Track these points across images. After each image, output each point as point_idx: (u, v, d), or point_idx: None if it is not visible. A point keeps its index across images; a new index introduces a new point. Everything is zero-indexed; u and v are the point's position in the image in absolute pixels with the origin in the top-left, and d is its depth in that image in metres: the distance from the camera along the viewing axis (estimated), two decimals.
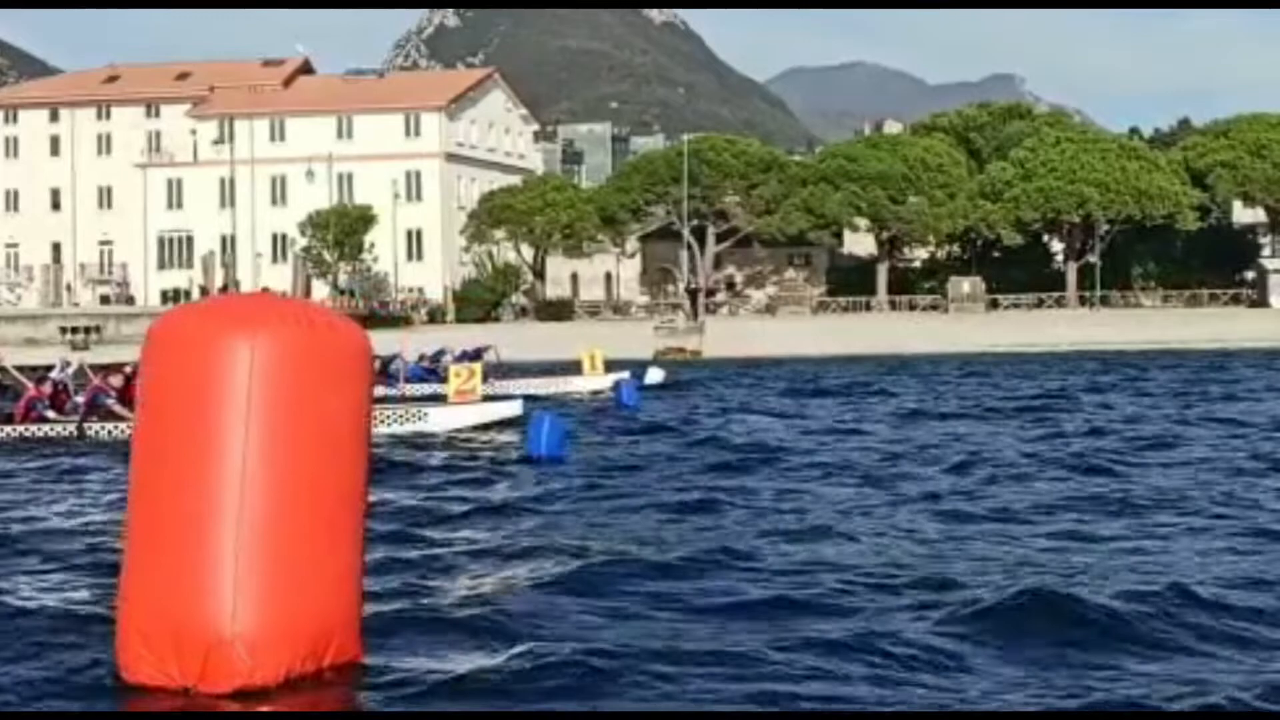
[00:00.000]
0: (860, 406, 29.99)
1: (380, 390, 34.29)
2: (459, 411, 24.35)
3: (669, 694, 6.68)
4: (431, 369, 38.81)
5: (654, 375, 39.10)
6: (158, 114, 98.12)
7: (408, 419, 23.58)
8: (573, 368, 40.10)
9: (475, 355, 38.85)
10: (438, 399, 29.31)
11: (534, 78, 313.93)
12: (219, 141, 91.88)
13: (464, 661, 7.15)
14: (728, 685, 6.86)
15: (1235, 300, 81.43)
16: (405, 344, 42.03)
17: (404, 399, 32.19)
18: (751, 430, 23.23)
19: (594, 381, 37.34)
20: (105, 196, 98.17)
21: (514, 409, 24.19)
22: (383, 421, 23.40)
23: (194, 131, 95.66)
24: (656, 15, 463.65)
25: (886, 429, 23.47)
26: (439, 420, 23.59)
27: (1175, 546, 10.85)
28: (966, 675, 6.98)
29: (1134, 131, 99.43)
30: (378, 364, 37.74)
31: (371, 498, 7.56)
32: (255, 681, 6.23)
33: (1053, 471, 16.28)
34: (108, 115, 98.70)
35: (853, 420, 25.63)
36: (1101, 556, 10.34)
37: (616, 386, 31.24)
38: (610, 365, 39.84)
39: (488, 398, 26.55)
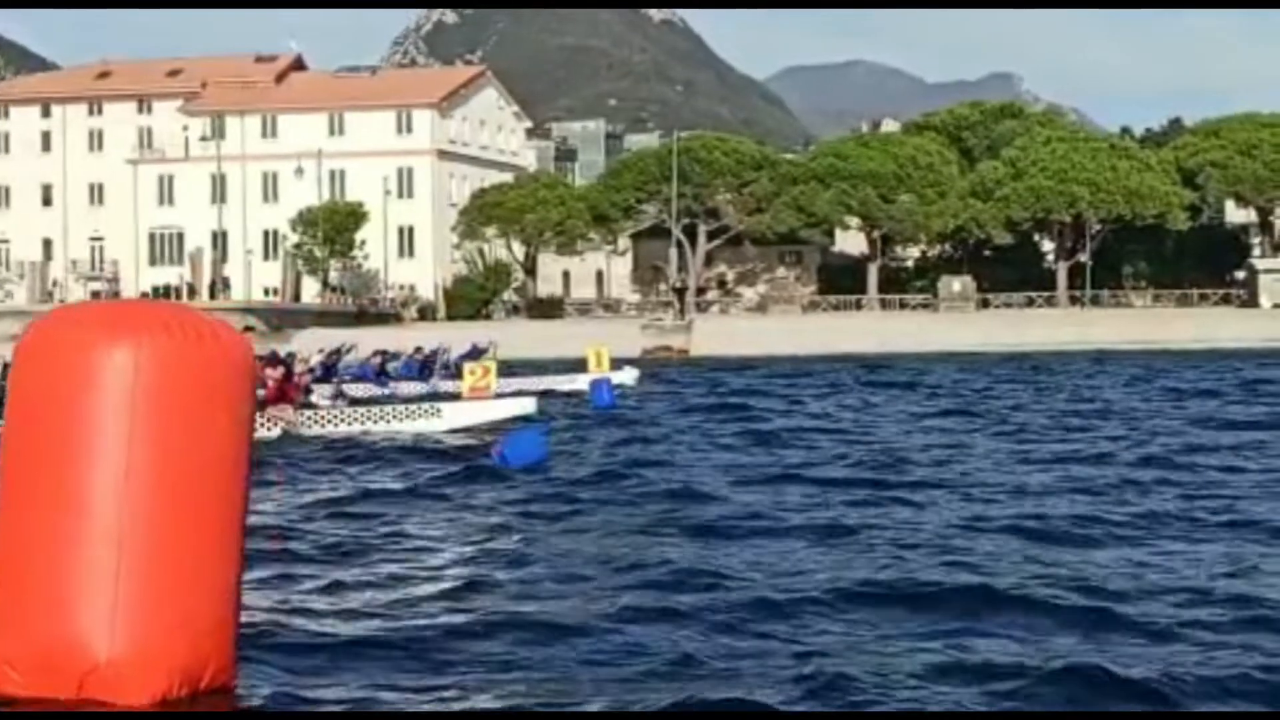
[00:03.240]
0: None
1: (395, 388, 34.30)
2: (472, 408, 24.19)
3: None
4: (426, 363, 38.42)
5: (625, 375, 38.91)
6: (149, 110, 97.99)
7: (421, 415, 23.45)
8: (578, 365, 39.98)
9: (477, 354, 38.65)
10: (439, 398, 29.32)
11: (532, 75, 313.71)
12: (206, 138, 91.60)
13: (344, 681, 7.08)
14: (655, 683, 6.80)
15: (1225, 300, 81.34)
16: (404, 343, 41.93)
17: (394, 398, 32.17)
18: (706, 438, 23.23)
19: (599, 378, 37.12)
20: (96, 192, 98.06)
21: (528, 406, 24.04)
22: (396, 418, 23.40)
23: (186, 128, 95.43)
24: (655, 13, 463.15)
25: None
26: (452, 417, 23.41)
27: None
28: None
29: (1125, 131, 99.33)
30: (377, 361, 37.66)
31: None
32: (130, 707, 6.06)
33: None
34: (99, 111, 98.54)
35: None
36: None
37: (592, 386, 31.11)
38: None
39: (500, 395, 26.37)
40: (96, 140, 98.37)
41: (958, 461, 18.12)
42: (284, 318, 72.98)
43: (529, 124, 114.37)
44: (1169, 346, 60.90)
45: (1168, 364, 49.48)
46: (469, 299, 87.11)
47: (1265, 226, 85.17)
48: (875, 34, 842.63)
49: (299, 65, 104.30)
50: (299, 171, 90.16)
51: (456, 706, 6.66)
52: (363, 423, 23.22)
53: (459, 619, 8.46)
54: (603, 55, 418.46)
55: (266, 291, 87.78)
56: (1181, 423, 24.57)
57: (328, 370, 30.29)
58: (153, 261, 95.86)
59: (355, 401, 26.94)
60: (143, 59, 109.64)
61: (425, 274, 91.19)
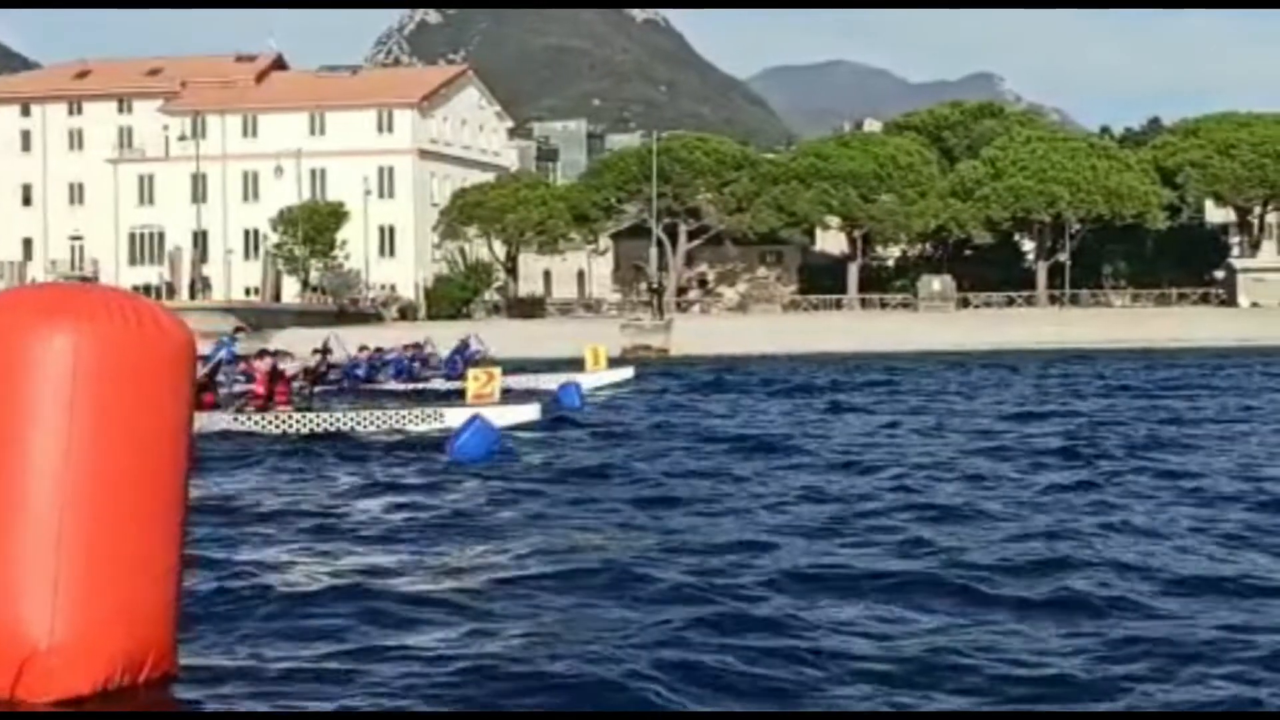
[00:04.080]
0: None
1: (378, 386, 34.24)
2: (476, 413, 24.04)
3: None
4: (416, 361, 38.37)
5: (619, 375, 39.14)
6: (129, 109, 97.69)
7: (424, 419, 23.41)
8: (572, 364, 40.10)
9: (464, 348, 38.75)
10: (429, 396, 29.33)
11: (516, 75, 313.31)
12: (184, 138, 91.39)
13: (283, 666, 7.11)
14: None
15: (1204, 299, 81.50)
16: (385, 342, 41.86)
17: (393, 393, 32.34)
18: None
19: (597, 378, 37.45)
20: (76, 192, 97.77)
21: (532, 413, 24.06)
22: (400, 421, 23.39)
23: (166, 127, 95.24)
24: (638, 13, 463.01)
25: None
26: (455, 422, 23.23)
27: None
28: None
29: (1104, 131, 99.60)
30: (364, 356, 37.42)
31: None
32: (71, 695, 6.07)
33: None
34: (79, 110, 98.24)
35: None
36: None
37: (560, 388, 31.12)
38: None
39: (504, 397, 26.40)
40: (76, 140, 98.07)
41: (912, 456, 18.33)
42: (264, 317, 72.80)
43: (510, 124, 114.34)
44: (1148, 345, 61.13)
45: (1145, 363, 49.74)
46: (450, 298, 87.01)
47: (1244, 226, 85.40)
48: (858, 34, 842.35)
49: (279, 65, 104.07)
50: (278, 171, 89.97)
51: (407, 703, 6.66)
52: (365, 425, 23.23)
53: (406, 610, 8.50)
54: (586, 55, 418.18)
55: (247, 291, 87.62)
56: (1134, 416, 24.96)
57: (319, 377, 30.05)
58: (133, 261, 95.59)
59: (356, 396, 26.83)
60: (122, 58, 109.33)
61: (406, 274, 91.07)
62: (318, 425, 23.04)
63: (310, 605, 8.58)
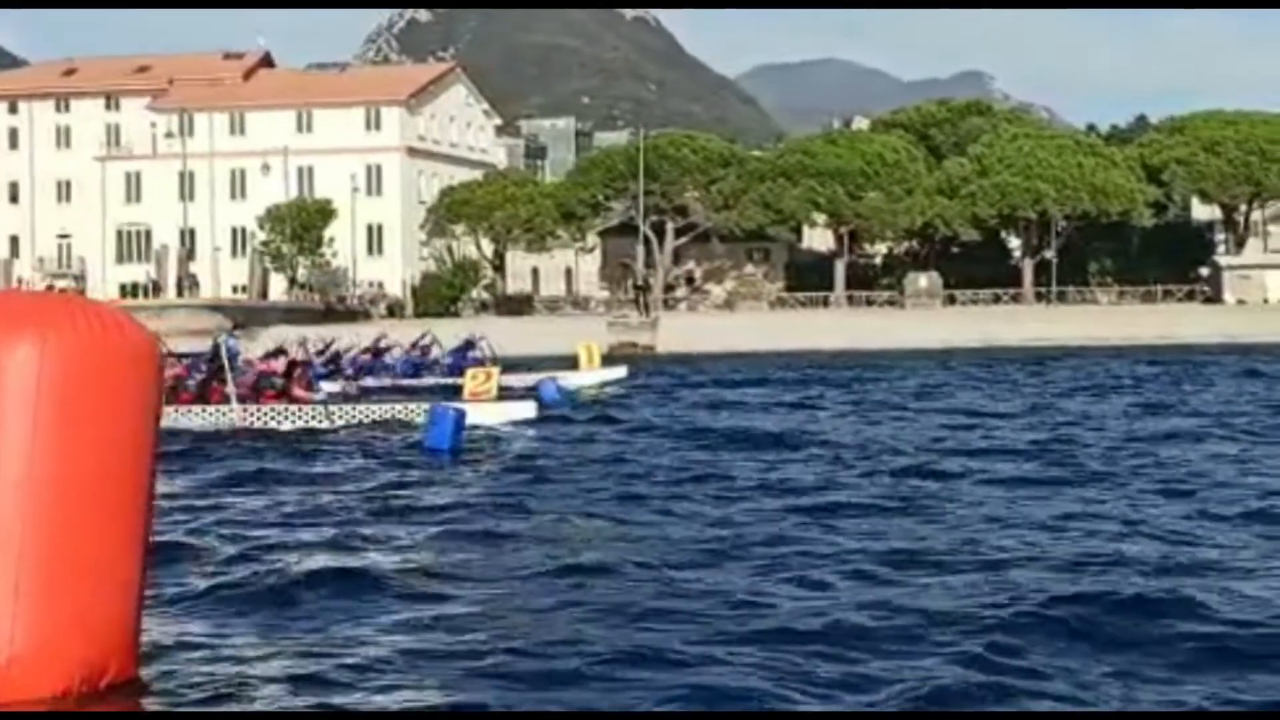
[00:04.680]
0: None
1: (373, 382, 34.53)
2: (473, 410, 24.20)
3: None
4: (420, 361, 38.51)
5: (614, 373, 39.38)
6: (117, 107, 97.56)
7: (420, 415, 23.66)
8: (566, 362, 40.22)
9: (468, 346, 38.90)
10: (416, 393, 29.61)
11: (505, 73, 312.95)
12: (171, 135, 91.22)
13: (261, 663, 7.15)
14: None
15: (1190, 296, 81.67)
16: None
17: (396, 389, 32.65)
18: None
19: (590, 376, 37.59)
20: (64, 190, 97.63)
21: (528, 411, 24.43)
22: (396, 416, 24.07)
23: (154, 125, 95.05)
24: (628, 12, 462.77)
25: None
26: None
27: None
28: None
29: (1091, 128, 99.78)
30: (367, 358, 37.68)
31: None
32: (31, 702, 6.04)
33: None
34: (67, 108, 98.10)
35: None
36: None
37: (540, 384, 31.25)
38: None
39: (502, 396, 26.60)
40: (64, 137, 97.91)
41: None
42: (251, 315, 72.73)
43: (499, 121, 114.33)
44: (1133, 342, 61.26)
45: (1131, 360, 49.90)
46: (438, 296, 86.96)
47: (1229, 223, 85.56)
48: (849, 33, 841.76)
49: (267, 62, 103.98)
50: (266, 169, 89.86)
51: (393, 702, 6.67)
52: (362, 420, 23.78)
53: (393, 606, 8.55)
54: (575, 54, 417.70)
55: (234, 289, 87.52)
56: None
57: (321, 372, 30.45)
58: (120, 259, 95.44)
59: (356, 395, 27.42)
60: (110, 56, 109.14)
61: (394, 271, 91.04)
62: (316, 421, 23.55)
63: (292, 601, 8.65)
